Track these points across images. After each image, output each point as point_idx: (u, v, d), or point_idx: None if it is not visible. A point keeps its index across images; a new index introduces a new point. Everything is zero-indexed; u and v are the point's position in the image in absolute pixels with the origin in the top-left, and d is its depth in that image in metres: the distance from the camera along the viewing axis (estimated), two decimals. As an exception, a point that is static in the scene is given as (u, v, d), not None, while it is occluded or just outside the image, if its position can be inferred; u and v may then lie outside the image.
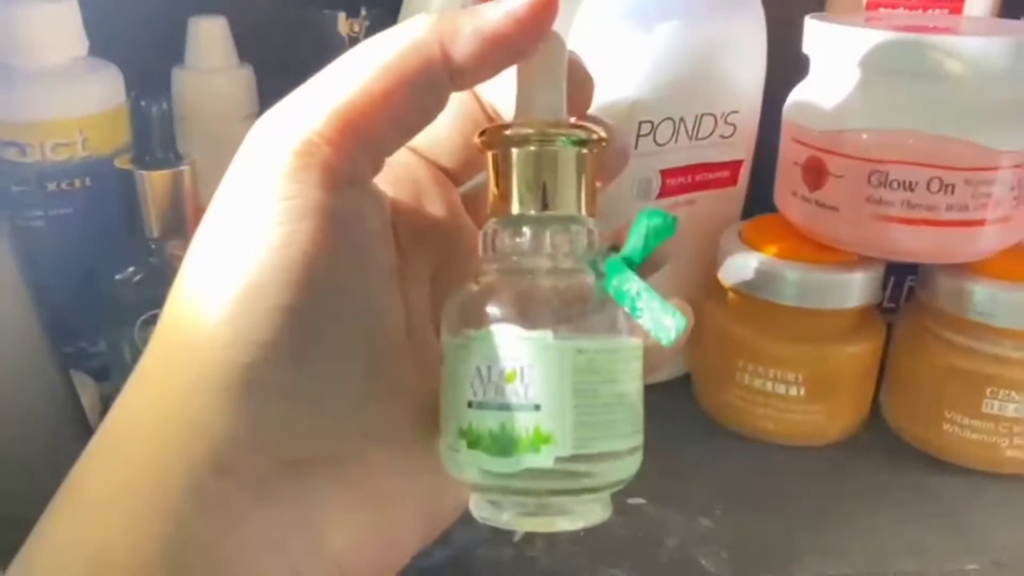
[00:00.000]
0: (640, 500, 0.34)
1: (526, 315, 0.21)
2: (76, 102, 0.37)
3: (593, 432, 0.21)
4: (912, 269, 0.40)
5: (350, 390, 0.21)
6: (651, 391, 0.42)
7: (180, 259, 0.22)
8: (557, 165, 0.22)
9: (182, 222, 0.35)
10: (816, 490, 0.35)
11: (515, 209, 0.22)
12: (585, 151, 0.23)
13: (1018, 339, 0.34)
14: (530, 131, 0.22)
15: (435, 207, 0.26)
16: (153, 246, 0.35)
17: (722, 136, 0.38)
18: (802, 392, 0.36)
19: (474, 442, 0.21)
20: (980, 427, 0.35)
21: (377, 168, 0.23)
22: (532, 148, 0.22)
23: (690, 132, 0.37)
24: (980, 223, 0.33)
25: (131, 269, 0.35)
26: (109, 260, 0.35)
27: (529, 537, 0.31)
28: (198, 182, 0.35)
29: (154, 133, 0.34)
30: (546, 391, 0.21)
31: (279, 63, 0.42)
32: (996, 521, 0.33)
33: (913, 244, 0.33)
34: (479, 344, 0.21)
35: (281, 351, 0.20)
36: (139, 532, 0.19)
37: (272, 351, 0.20)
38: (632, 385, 0.22)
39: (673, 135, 0.37)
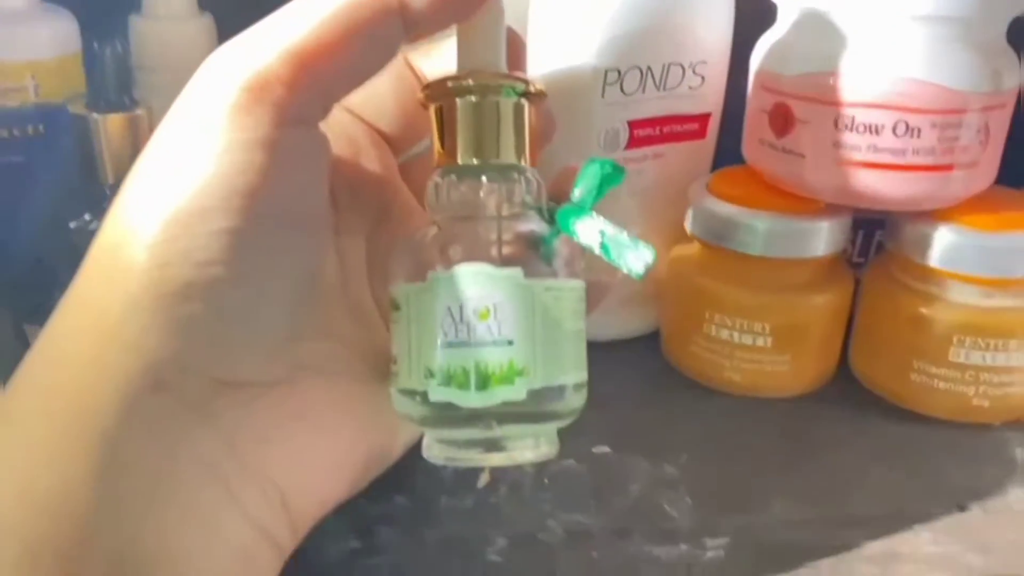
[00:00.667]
0: (605, 448, 0.33)
1: (489, 257, 0.22)
2: (26, 46, 0.36)
3: (557, 366, 0.22)
4: (881, 224, 0.39)
5: (286, 320, 0.22)
6: (620, 346, 0.42)
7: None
8: (499, 115, 0.23)
9: (138, 168, 0.34)
10: (782, 439, 0.35)
11: (460, 159, 0.23)
12: (525, 102, 0.23)
13: (985, 286, 0.34)
14: (472, 82, 0.23)
15: (371, 165, 0.27)
16: (109, 192, 0.34)
17: (690, 87, 0.38)
18: (769, 343, 0.36)
19: (447, 380, 0.22)
20: (947, 376, 0.35)
21: (326, 111, 0.23)
22: (474, 98, 0.23)
23: (658, 82, 0.37)
24: (947, 168, 0.33)
25: (87, 217, 0.34)
26: (64, 208, 0.35)
27: (492, 484, 0.31)
28: (155, 129, 0.35)
29: (109, 78, 0.33)
30: (518, 327, 0.21)
31: (239, 12, 0.42)
32: (960, 467, 0.33)
33: (879, 190, 0.33)
34: (448, 285, 0.21)
35: (221, 272, 0.20)
36: (69, 454, 0.19)
37: (212, 271, 0.20)
38: (581, 324, 0.23)
39: (640, 85, 0.36)
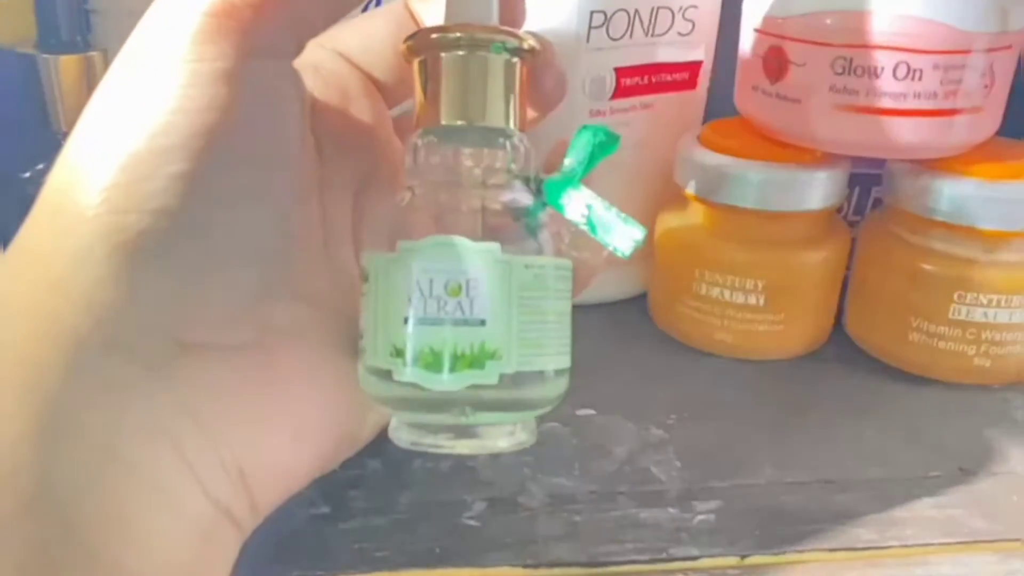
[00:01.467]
0: (590, 411, 0.32)
1: (467, 228, 0.20)
2: (-26, -15, 0.34)
3: (535, 349, 0.20)
4: (878, 180, 0.38)
5: (255, 276, 0.20)
6: (606, 309, 0.40)
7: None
8: (487, 73, 0.21)
9: (94, 114, 0.32)
10: (774, 401, 0.33)
11: (443, 119, 0.21)
12: (516, 60, 0.22)
13: (988, 240, 0.32)
14: (460, 35, 0.21)
15: (363, 116, 0.25)
16: (62, 140, 0.32)
17: (680, 33, 0.36)
18: (762, 301, 0.34)
19: (414, 359, 0.20)
20: (947, 334, 0.33)
21: (300, 47, 0.21)
22: (461, 53, 0.21)
23: (646, 27, 0.35)
24: (950, 113, 0.31)
25: (40, 167, 0.32)
26: (15, 158, 0.33)
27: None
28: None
29: (60, 16, 0.31)
30: (493, 306, 0.20)
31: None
32: (960, 430, 0.32)
33: (878, 137, 0.31)
34: (418, 256, 0.20)
35: (180, 221, 0.18)
36: (8, 412, 0.17)
37: (169, 220, 0.18)
38: (566, 304, 0.22)
39: (628, 29, 0.35)
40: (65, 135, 0.32)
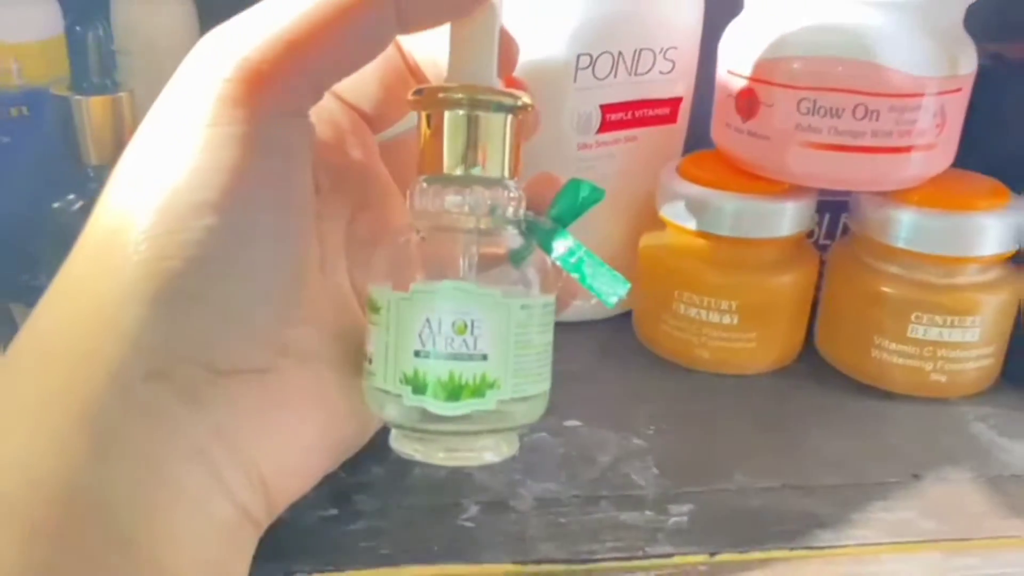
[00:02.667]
0: (576, 422, 0.34)
1: (469, 273, 0.23)
2: (11, 30, 0.37)
3: (525, 378, 0.23)
4: (846, 206, 0.41)
5: (272, 308, 0.22)
6: (594, 326, 0.43)
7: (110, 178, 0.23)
8: (487, 129, 0.24)
9: (120, 149, 0.34)
10: (747, 413, 0.36)
11: (445, 168, 0.24)
12: (512, 117, 0.24)
13: (942, 265, 0.35)
14: (462, 95, 0.23)
15: (353, 150, 0.27)
16: (92, 173, 0.35)
17: (661, 72, 0.39)
18: (736, 321, 0.37)
19: (420, 388, 0.23)
20: (906, 351, 0.36)
21: (315, 100, 0.23)
22: (463, 112, 0.23)
23: (629, 67, 0.38)
24: (905, 150, 0.34)
25: (70, 197, 0.35)
26: (48, 189, 0.36)
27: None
28: (137, 112, 0.35)
29: (91, 60, 0.34)
30: (493, 343, 0.23)
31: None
32: (916, 440, 0.34)
33: (840, 171, 0.34)
34: (429, 298, 0.22)
35: (211, 266, 0.21)
36: (67, 437, 0.20)
37: (203, 265, 0.21)
38: (549, 335, 0.25)
39: (612, 69, 0.37)
40: (94, 168, 0.35)
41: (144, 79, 0.39)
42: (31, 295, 0.39)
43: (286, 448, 0.23)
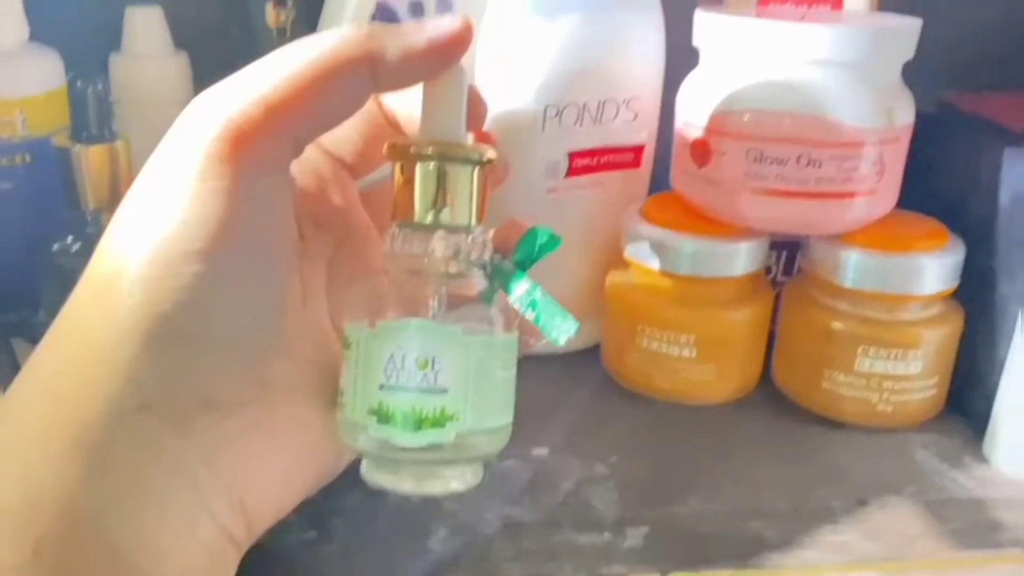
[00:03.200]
0: (544, 451, 0.37)
1: (433, 311, 0.25)
2: (16, 84, 0.39)
3: (486, 411, 0.25)
4: (800, 244, 0.43)
5: (253, 347, 0.25)
6: (564, 358, 0.45)
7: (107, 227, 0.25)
8: (455, 181, 0.26)
9: (117, 195, 0.37)
10: (704, 441, 0.38)
11: (417, 216, 0.26)
12: (478, 169, 0.26)
13: (886, 302, 0.38)
14: (432, 150, 0.26)
15: (335, 197, 0.30)
16: (89, 218, 0.37)
17: (625, 121, 0.41)
18: (694, 354, 0.39)
19: (385, 419, 0.24)
20: (854, 383, 0.38)
21: (297, 154, 0.26)
22: (432, 165, 0.26)
23: (594, 116, 0.40)
24: (848, 195, 0.36)
25: (69, 239, 0.37)
26: (48, 232, 0.38)
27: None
28: (133, 160, 0.38)
29: (90, 112, 0.37)
30: (453, 378, 0.24)
31: (212, 51, 0.45)
32: (864, 467, 0.37)
33: (787, 215, 0.37)
34: (394, 334, 0.24)
35: (199, 309, 0.23)
36: (65, 460, 0.22)
37: (191, 308, 0.23)
38: (512, 371, 0.26)
39: (578, 119, 0.40)
40: (91, 213, 0.37)
41: (139, 128, 0.41)
42: (31, 330, 0.41)
43: (265, 475, 0.25)
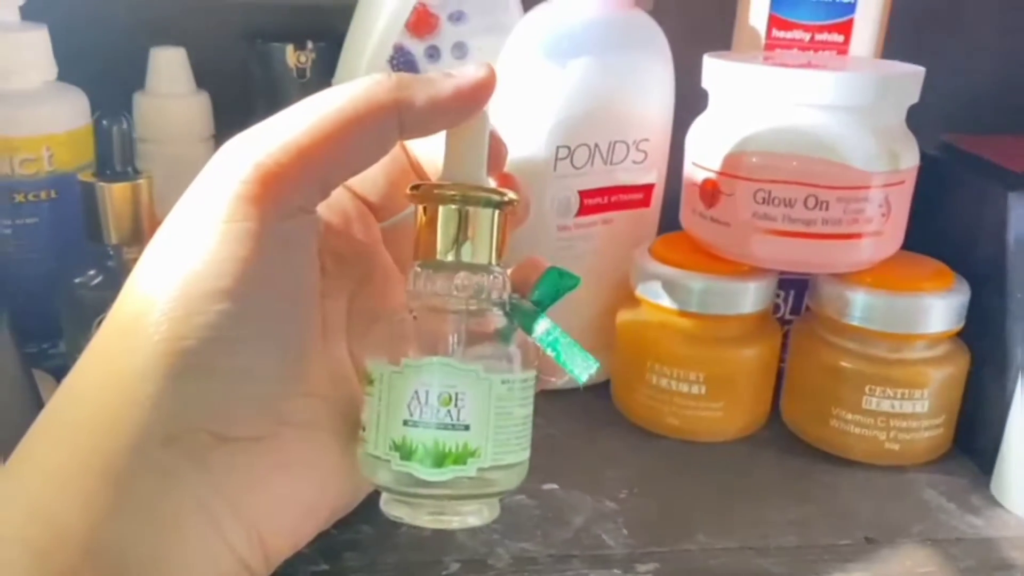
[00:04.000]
0: (554, 486, 0.37)
1: (452, 348, 0.26)
2: (44, 122, 0.40)
3: (505, 448, 0.26)
4: (808, 283, 0.44)
5: (273, 383, 0.25)
6: (574, 394, 0.46)
7: (135, 264, 0.25)
8: (477, 222, 0.27)
9: (138, 231, 0.38)
10: (713, 478, 0.38)
11: (438, 255, 0.27)
12: (499, 212, 0.27)
13: (893, 341, 0.38)
14: (455, 192, 0.27)
15: (358, 235, 0.30)
16: (112, 252, 0.38)
17: (634, 161, 0.42)
18: (703, 391, 0.39)
19: (408, 455, 0.25)
20: (862, 422, 0.39)
21: (324, 197, 0.26)
22: (454, 207, 0.27)
23: (604, 157, 0.41)
24: (853, 236, 0.37)
25: (91, 273, 0.38)
26: (71, 265, 0.39)
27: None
28: (155, 196, 0.39)
29: (115, 150, 0.37)
30: (475, 414, 0.25)
31: (233, 90, 0.46)
32: (872, 505, 0.37)
33: (794, 255, 0.37)
34: (417, 372, 0.25)
35: (222, 346, 0.23)
36: (91, 493, 0.22)
37: (214, 345, 0.23)
38: (530, 408, 0.27)
39: (589, 159, 0.41)
40: (113, 248, 0.38)
41: (162, 165, 0.42)
42: (50, 361, 0.42)
43: (282, 508, 0.26)
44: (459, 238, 0.27)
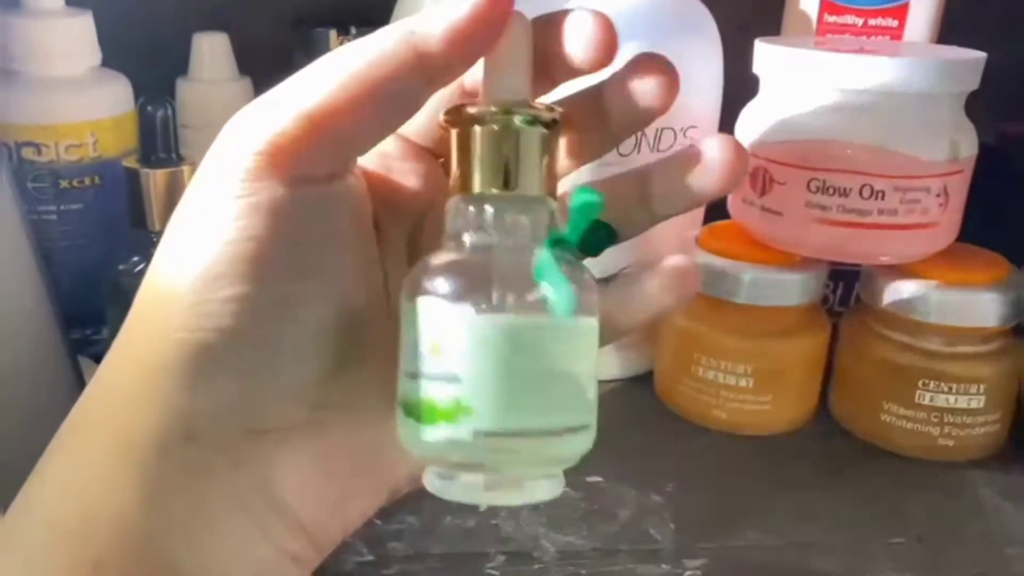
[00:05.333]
0: (598, 478, 0.36)
1: (456, 288, 0.21)
2: (88, 108, 0.40)
3: (520, 409, 0.21)
4: (859, 276, 0.43)
5: (308, 369, 0.23)
6: (616, 386, 0.45)
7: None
8: (517, 144, 0.22)
9: (182, 218, 0.38)
10: (760, 473, 0.38)
11: (476, 188, 0.23)
12: (546, 131, 0.23)
13: (947, 335, 0.37)
14: (492, 110, 0.22)
15: (404, 178, 0.27)
16: (155, 238, 0.38)
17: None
18: (751, 383, 0.39)
19: (408, 411, 0.22)
20: (914, 417, 0.38)
21: (348, 167, 0.24)
22: (493, 127, 0.22)
23: (651, 144, 0.40)
24: (910, 227, 0.36)
25: (135, 259, 0.38)
26: (115, 251, 0.39)
27: (494, 507, 0.34)
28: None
29: (158, 136, 0.37)
30: (466, 364, 0.21)
31: (275, 76, 0.46)
32: (923, 502, 0.36)
33: (848, 246, 0.36)
34: (413, 315, 0.22)
35: (239, 336, 0.22)
36: (118, 484, 0.22)
37: (231, 336, 0.22)
38: (571, 364, 0.22)
39: (635, 146, 0.40)
40: (157, 234, 0.38)
41: (204, 150, 0.42)
42: (94, 347, 0.42)
43: (327, 496, 0.25)
44: (499, 165, 0.22)
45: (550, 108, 0.23)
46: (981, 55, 0.36)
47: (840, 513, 0.35)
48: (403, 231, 0.27)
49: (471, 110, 0.23)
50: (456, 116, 0.23)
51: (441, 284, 0.21)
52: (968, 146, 0.36)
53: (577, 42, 0.23)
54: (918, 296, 0.37)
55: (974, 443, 0.38)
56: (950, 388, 0.37)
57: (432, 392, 0.21)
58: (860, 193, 0.35)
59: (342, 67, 0.23)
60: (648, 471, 0.37)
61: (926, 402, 0.37)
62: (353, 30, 0.42)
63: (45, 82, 0.40)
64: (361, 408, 0.25)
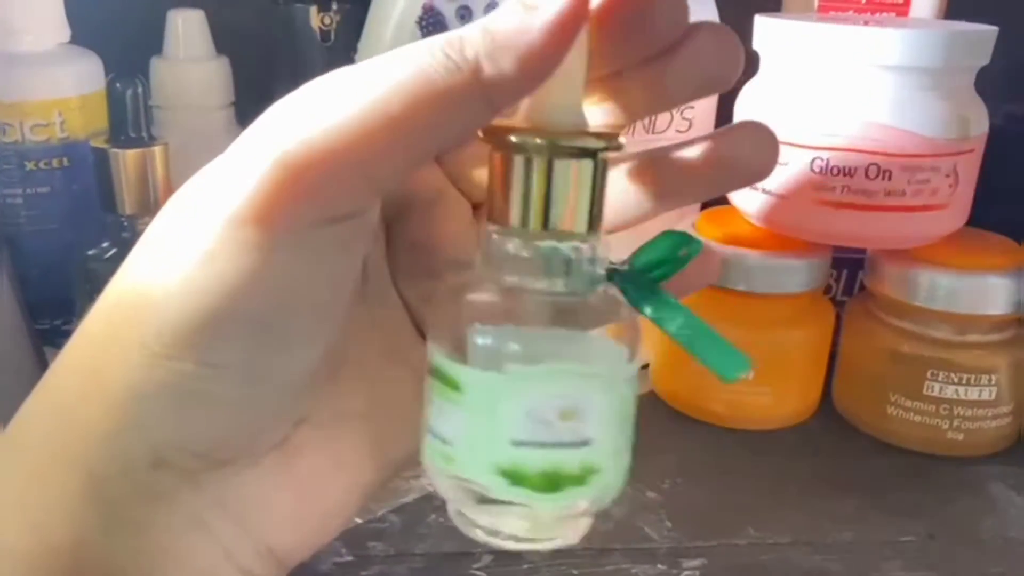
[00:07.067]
0: (591, 474, 0.35)
1: (557, 343, 0.20)
2: (55, 85, 0.38)
3: (623, 454, 0.21)
4: (863, 263, 0.41)
5: (289, 400, 0.22)
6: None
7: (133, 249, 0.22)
8: (566, 179, 0.20)
9: (154, 200, 0.36)
10: (762, 468, 0.36)
11: (515, 220, 0.20)
12: (597, 163, 0.20)
13: (957, 323, 0.35)
14: (540, 140, 0.20)
15: None
16: (126, 223, 0.36)
17: (678, 130, 0.40)
18: (750, 375, 0.37)
19: (519, 480, 0.20)
20: (922, 409, 0.36)
21: (374, 202, 0.21)
22: (539, 159, 0.20)
23: (647, 126, 0.39)
24: (918, 209, 0.34)
25: (105, 244, 0.36)
26: (84, 236, 0.37)
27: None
28: (170, 164, 0.37)
29: (128, 115, 0.35)
30: (598, 426, 0.20)
31: (254, 55, 0.44)
32: (933, 499, 0.34)
33: (853, 229, 0.35)
34: (532, 382, 0.20)
35: (215, 370, 0.20)
36: (78, 510, 0.20)
37: (207, 368, 0.20)
38: (635, 404, 0.22)
39: (631, 128, 0.38)
40: (127, 218, 0.36)
41: (179, 133, 0.40)
42: (64, 338, 0.40)
43: (295, 522, 0.23)
44: (545, 198, 0.20)
45: (607, 134, 0.20)
46: (993, 29, 0.35)
47: (845, 510, 0.33)
48: (382, 211, 0.25)
49: (515, 138, 0.20)
50: (498, 139, 0.20)
51: (560, 343, 0.21)
52: (979, 123, 0.35)
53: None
54: (926, 282, 0.35)
55: (985, 437, 0.36)
56: (960, 379, 0.35)
57: (563, 459, 0.20)
58: (866, 173, 0.34)
59: (385, 78, 0.19)
60: (644, 467, 0.35)
61: (935, 394, 0.36)
62: (334, 5, 0.40)
63: (9, 58, 0.38)
64: (331, 423, 0.24)
